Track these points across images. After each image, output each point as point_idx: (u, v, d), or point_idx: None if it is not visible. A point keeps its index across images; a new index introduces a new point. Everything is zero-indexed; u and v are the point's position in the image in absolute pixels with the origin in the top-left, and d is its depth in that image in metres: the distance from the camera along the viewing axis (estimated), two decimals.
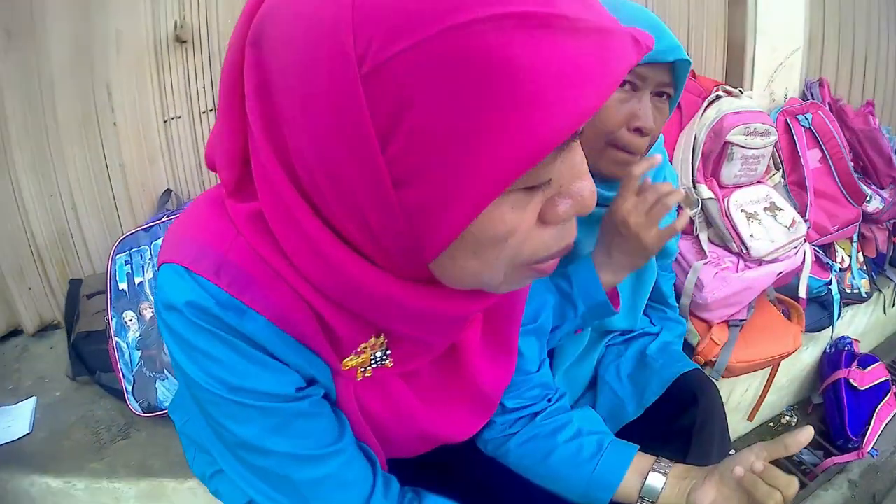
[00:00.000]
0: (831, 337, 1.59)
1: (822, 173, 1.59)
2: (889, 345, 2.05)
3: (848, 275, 1.64)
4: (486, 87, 0.25)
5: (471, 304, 0.41)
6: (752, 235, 1.21)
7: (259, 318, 0.38)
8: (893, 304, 1.85)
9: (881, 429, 1.61)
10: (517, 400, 0.64)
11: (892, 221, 1.82)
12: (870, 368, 1.65)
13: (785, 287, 1.41)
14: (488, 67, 0.25)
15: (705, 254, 1.22)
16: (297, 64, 0.29)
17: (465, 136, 0.26)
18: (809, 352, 1.60)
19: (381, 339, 0.45)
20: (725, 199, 1.25)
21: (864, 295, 1.66)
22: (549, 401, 0.66)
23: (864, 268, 1.71)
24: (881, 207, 1.71)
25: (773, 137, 1.29)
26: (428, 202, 0.29)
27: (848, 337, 1.68)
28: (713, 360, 1.17)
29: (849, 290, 1.61)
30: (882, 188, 1.78)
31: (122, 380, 1.09)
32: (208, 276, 0.37)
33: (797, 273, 1.37)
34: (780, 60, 1.66)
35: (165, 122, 1.24)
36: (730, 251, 1.24)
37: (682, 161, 1.27)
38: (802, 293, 1.36)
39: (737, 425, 1.53)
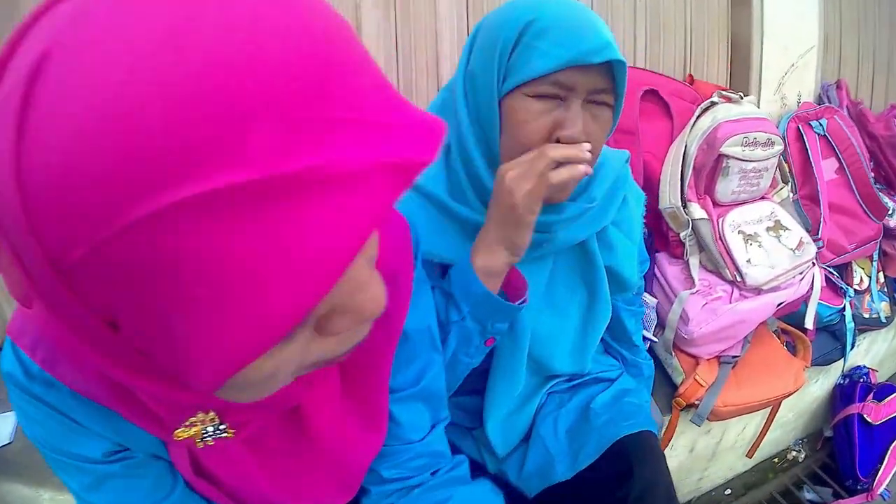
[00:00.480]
0: (843, 368, 1.42)
1: (838, 185, 1.41)
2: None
3: (866, 297, 1.46)
4: (181, 290, 0.21)
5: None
6: (748, 261, 1.06)
7: (64, 390, 0.39)
8: None
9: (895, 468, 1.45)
10: (395, 470, 0.53)
11: None
12: (886, 400, 1.47)
13: (791, 315, 1.25)
14: (179, 267, 0.20)
15: (694, 282, 1.08)
16: None
17: (174, 344, 0.23)
18: (820, 384, 1.44)
19: (210, 414, 0.41)
20: (720, 220, 1.10)
21: (884, 320, 1.47)
22: (434, 473, 0.55)
23: (885, 289, 1.52)
24: None
25: (778, 148, 1.13)
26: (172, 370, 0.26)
27: (864, 366, 1.51)
28: (697, 402, 1.03)
29: (866, 315, 1.43)
30: None
31: None
32: (26, 350, 0.39)
33: (805, 300, 1.21)
34: (791, 61, 1.48)
35: None
36: (723, 279, 1.09)
37: (670, 176, 1.12)
38: (810, 324, 1.20)
39: (735, 462, 1.38)
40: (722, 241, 1.08)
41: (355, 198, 0.21)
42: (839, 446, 1.46)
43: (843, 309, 1.31)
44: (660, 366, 1.11)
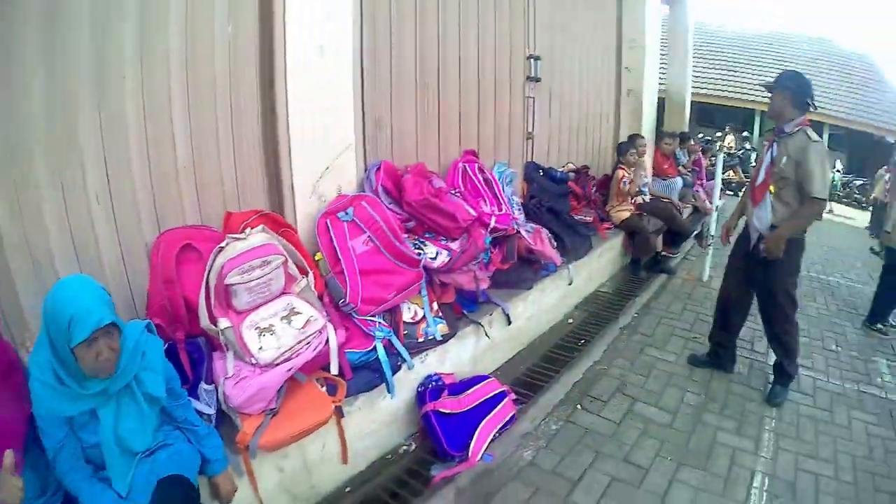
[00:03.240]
0: (389, 391, 2.63)
1: (372, 253, 2.60)
2: (512, 363, 3.35)
3: (422, 325, 2.70)
4: None
5: None
6: (260, 348, 2.19)
7: None
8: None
9: (490, 438, 2.67)
10: None
11: (480, 261, 2.96)
12: (468, 392, 2.73)
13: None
14: None
15: (228, 371, 2.21)
16: None
17: None
18: (406, 391, 2.67)
19: None
20: (240, 325, 2.23)
21: (441, 338, 2.73)
22: None
23: (441, 314, 2.81)
24: (447, 260, 2.83)
25: (276, 262, 2.25)
26: None
27: (435, 374, 2.76)
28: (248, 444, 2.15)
29: (420, 339, 2.67)
30: (455, 240, 2.92)
31: None
32: None
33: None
34: (326, 164, 2.68)
35: None
36: (248, 364, 2.24)
37: (200, 304, 2.22)
38: (334, 370, 2.38)
39: (339, 469, 2.46)
40: (241, 339, 2.22)
41: None
42: (430, 436, 2.68)
43: (374, 349, 2.52)
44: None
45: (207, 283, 2.22)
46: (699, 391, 3.58)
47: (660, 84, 7.66)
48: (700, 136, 14.01)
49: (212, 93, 2.42)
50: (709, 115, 17.65)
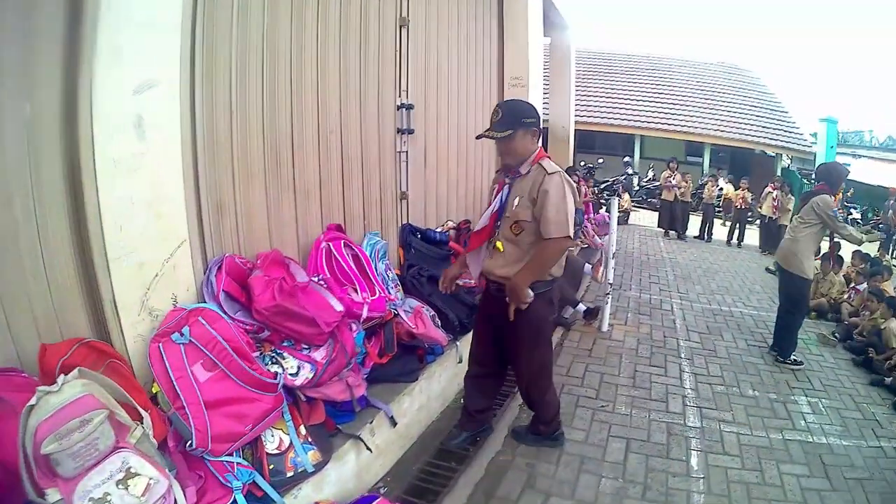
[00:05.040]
0: None
1: (218, 380, 2.41)
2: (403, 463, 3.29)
3: (290, 455, 2.53)
4: None
5: None
6: None
7: None
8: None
9: None
10: None
11: (353, 363, 2.79)
12: None
13: None
14: None
15: None
16: None
17: None
18: None
19: None
20: (71, 495, 1.94)
21: (313, 468, 2.58)
22: None
23: (311, 438, 2.61)
24: (312, 376, 2.63)
25: (98, 418, 2.01)
26: None
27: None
28: None
29: (290, 474, 2.51)
30: (319, 346, 2.72)
31: None
32: None
33: None
34: (155, 272, 2.43)
35: None
36: None
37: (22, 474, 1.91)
38: None
39: None
40: None
41: None
42: None
43: (235, 502, 2.30)
44: None
45: (25, 449, 1.94)
46: (615, 474, 3.66)
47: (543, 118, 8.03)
48: (582, 163, 15.45)
49: (5, 189, 2.17)
50: (588, 140, 18.71)
